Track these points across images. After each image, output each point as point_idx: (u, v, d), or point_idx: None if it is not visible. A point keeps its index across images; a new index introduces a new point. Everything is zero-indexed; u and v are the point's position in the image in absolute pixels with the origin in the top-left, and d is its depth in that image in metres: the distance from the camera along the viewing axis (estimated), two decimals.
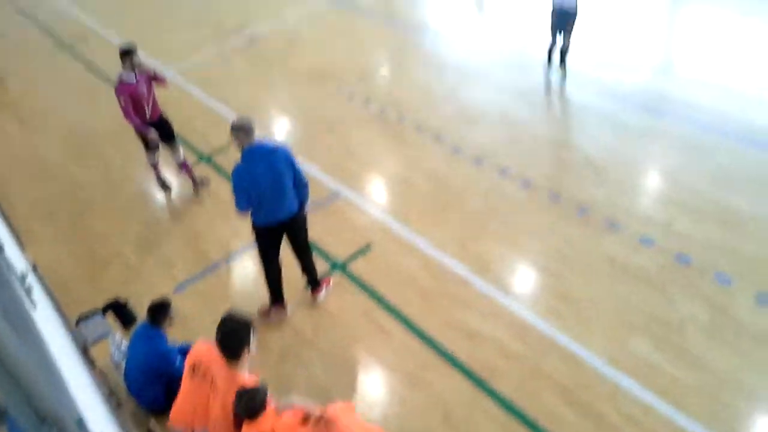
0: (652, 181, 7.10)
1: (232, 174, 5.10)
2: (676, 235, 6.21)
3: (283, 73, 10.46)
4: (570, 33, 8.69)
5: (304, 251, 5.73)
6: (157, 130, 7.34)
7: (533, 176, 7.30)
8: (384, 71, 9.94)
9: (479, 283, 5.98)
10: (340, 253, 6.55)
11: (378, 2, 11.88)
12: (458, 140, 8.10)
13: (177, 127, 7.69)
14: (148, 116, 7.23)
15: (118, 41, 11.96)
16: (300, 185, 5.33)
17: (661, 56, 9.55)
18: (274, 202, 5.22)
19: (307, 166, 8.15)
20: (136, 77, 7.04)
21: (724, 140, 7.33)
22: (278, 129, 9.29)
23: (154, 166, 7.82)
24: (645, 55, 9.43)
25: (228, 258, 6.72)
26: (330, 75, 10.08)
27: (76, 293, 6.41)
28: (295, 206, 5.38)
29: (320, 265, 6.17)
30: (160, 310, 4.85)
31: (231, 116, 9.44)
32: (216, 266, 6.62)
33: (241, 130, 5.04)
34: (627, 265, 5.96)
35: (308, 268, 5.85)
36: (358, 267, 6.35)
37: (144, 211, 7.73)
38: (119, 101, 7.02)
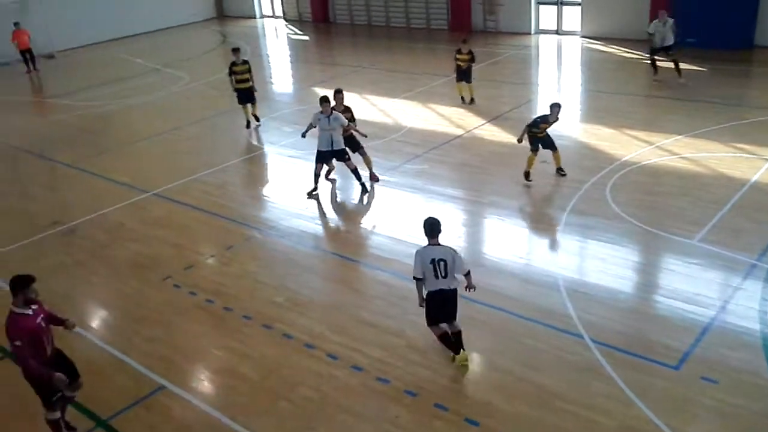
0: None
1: None
2: (494, 416, 6.52)
3: (102, 264, 10.10)
4: None
5: None
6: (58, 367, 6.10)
7: (362, 361, 7.44)
8: (211, 261, 9.96)
9: None
10: None
11: (207, 198, 12.13)
12: (287, 327, 8.13)
13: None
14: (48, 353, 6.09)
15: None
16: None
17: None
18: None
19: (124, 358, 7.76)
20: (32, 309, 5.98)
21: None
22: (93, 321, 8.80)
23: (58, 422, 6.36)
24: None
25: None
26: (154, 265, 9.90)
27: None
28: None
29: None
30: None
31: None
32: None
33: None
34: None
35: None
36: None
37: None
38: (13, 344, 5.81)
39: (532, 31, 23.93)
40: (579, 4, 22.61)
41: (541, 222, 10.52)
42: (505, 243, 9.96)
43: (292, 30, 29.42)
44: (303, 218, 11.12)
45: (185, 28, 30.74)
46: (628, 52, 20.31)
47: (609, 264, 9.05)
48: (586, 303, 8.18)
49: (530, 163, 11.52)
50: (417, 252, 7.07)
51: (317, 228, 10.89)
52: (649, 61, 17.00)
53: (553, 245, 9.78)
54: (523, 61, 21.21)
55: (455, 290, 7.10)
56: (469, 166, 12.64)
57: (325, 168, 12.08)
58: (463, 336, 7.23)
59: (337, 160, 11.73)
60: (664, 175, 11.65)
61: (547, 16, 23.91)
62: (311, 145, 14.23)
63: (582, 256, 9.61)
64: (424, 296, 7.15)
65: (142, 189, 12.62)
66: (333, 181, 12.48)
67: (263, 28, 30.74)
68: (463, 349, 7.17)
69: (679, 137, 13.00)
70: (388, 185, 12.13)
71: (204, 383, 7.46)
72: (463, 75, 15.94)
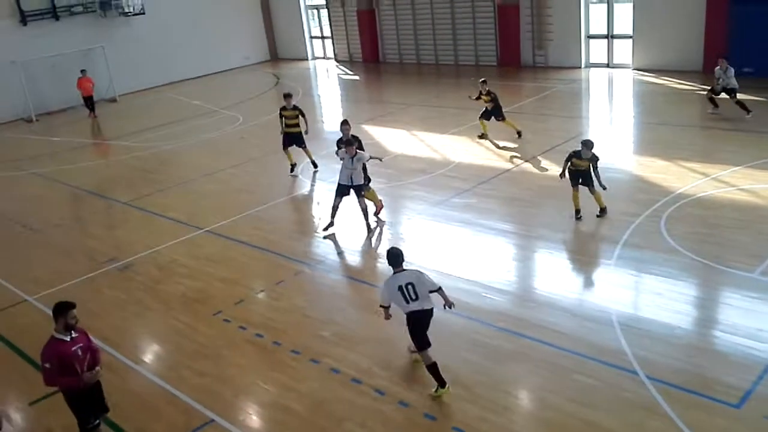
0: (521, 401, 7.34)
1: None
2: None
3: (156, 299, 10.32)
4: None
5: None
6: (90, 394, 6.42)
7: (409, 396, 7.35)
8: (261, 295, 10.07)
9: None
10: None
11: (258, 234, 12.34)
12: (335, 362, 8.12)
13: (33, 352, 7.25)
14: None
15: None
16: None
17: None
18: None
19: (175, 392, 7.87)
20: (71, 336, 6.26)
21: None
22: (146, 355, 8.97)
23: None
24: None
25: None
26: (205, 300, 10.07)
27: None
28: None
29: None
30: None
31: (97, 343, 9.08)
32: None
33: None
34: None
35: None
36: None
37: None
38: (43, 366, 6.14)
39: (583, 65, 23.79)
40: (630, 37, 22.41)
41: (594, 256, 10.29)
42: (556, 277, 9.77)
43: (343, 70, 30.02)
44: (351, 253, 11.18)
45: (240, 70, 31.71)
46: (681, 84, 19.95)
47: (665, 299, 8.77)
48: (641, 339, 7.92)
49: (575, 200, 11.31)
50: (385, 282, 7.50)
51: (364, 262, 10.90)
52: (707, 97, 16.55)
53: (606, 280, 9.53)
54: (573, 95, 21.06)
55: (430, 310, 7.33)
56: (519, 199, 12.52)
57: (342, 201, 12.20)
58: (514, 372, 7.09)
59: (355, 193, 11.92)
60: (721, 207, 11.29)
61: (597, 49, 23.76)
62: None
63: (637, 291, 9.35)
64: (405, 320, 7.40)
65: (195, 226, 12.93)
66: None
67: (315, 69, 31.46)
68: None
69: (736, 168, 12.62)
70: (437, 219, 12.11)
71: (252, 417, 7.48)
72: (487, 114, 16.17)
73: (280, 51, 34.20)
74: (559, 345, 7.99)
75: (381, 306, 7.56)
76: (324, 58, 32.92)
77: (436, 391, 7.25)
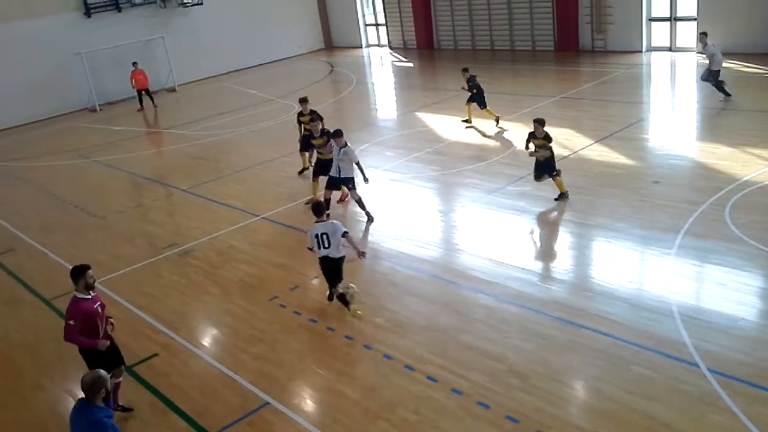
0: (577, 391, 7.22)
1: None
2: None
3: (214, 284, 10.55)
4: None
5: None
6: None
7: (462, 384, 7.33)
8: (316, 282, 10.17)
9: None
10: None
11: (312, 221, 12.47)
12: (388, 349, 8.15)
13: None
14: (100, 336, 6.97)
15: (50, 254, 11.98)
16: None
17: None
18: None
19: (232, 375, 8.05)
20: (91, 295, 6.94)
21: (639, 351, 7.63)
22: (204, 338, 9.19)
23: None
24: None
25: None
26: (261, 285, 10.24)
27: None
28: None
29: None
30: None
31: (158, 327, 9.36)
32: None
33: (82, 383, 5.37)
34: None
35: None
36: None
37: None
38: (67, 323, 6.76)
39: (644, 49, 23.09)
40: (695, 20, 21.61)
41: (653, 245, 10.00)
42: (615, 267, 9.55)
43: (397, 57, 29.93)
44: (403, 240, 11.17)
45: (295, 59, 31.97)
46: (748, 67, 19.16)
47: (729, 290, 8.48)
48: (703, 330, 7.68)
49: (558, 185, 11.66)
50: (310, 230, 8.96)
51: (417, 250, 10.88)
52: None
53: (667, 269, 9.24)
54: (634, 80, 20.47)
55: (337, 258, 8.85)
56: (576, 187, 12.26)
57: (336, 195, 12.69)
58: (570, 362, 6.96)
59: (345, 186, 12.16)
60: None
61: (659, 32, 23.01)
62: (412, 170, 14.38)
63: (699, 281, 9.07)
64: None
65: (252, 213, 13.14)
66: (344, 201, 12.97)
67: (369, 56, 31.46)
68: (353, 305, 8.88)
69: None
70: (491, 207, 11.99)
71: (306, 401, 7.59)
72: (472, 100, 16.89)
73: (334, 39, 34.32)
74: (616, 335, 7.82)
75: (308, 248, 9.03)
76: (378, 45, 32.88)
77: (350, 311, 8.84)
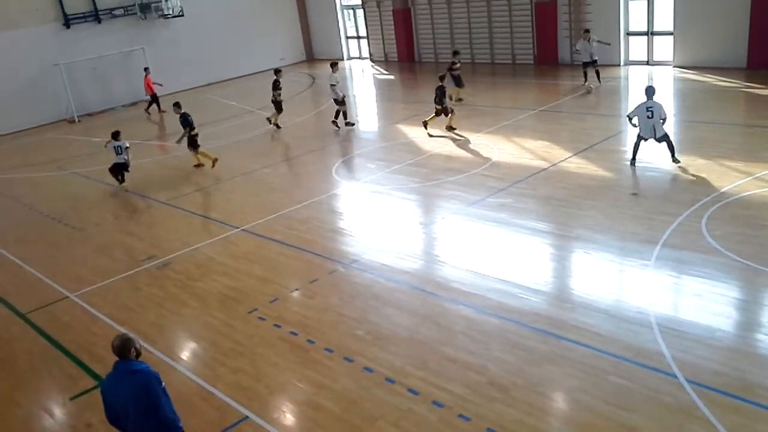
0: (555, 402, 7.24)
1: None
2: None
3: (193, 296, 10.46)
4: None
5: None
6: None
7: (443, 397, 7.31)
8: (296, 294, 10.12)
9: None
10: None
11: (293, 233, 12.42)
12: (368, 361, 8.12)
13: (74, 347, 7.41)
14: None
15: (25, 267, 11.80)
16: (154, 418, 5.34)
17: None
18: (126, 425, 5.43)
19: (211, 389, 7.97)
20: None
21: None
22: (183, 351, 9.09)
23: None
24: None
25: None
26: (241, 298, 10.17)
27: None
28: None
29: None
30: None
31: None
32: None
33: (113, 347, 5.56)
34: None
35: None
36: None
37: None
38: None
39: (622, 63, 23.41)
40: (671, 34, 21.97)
41: (632, 256, 10.08)
42: (593, 278, 9.62)
43: (378, 70, 30.04)
44: (384, 252, 11.16)
45: None
46: (723, 81, 19.50)
47: (706, 300, 8.56)
48: (681, 341, 7.74)
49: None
50: None
51: (399, 261, 10.89)
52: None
53: (645, 280, 9.32)
54: (612, 93, 20.72)
55: None
56: (555, 199, 12.36)
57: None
58: (550, 373, 6.97)
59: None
60: (764, 207, 10.99)
61: (636, 46, 23.34)
62: (393, 181, 14.41)
63: (676, 292, 9.15)
64: None
65: (232, 225, 13.06)
66: None
67: (350, 69, 31.54)
68: None
69: None
70: (472, 218, 12.04)
71: (286, 415, 7.52)
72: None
73: (316, 51, 34.39)
74: (596, 346, 7.86)
75: None
76: (359, 58, 33.00)
77: None
